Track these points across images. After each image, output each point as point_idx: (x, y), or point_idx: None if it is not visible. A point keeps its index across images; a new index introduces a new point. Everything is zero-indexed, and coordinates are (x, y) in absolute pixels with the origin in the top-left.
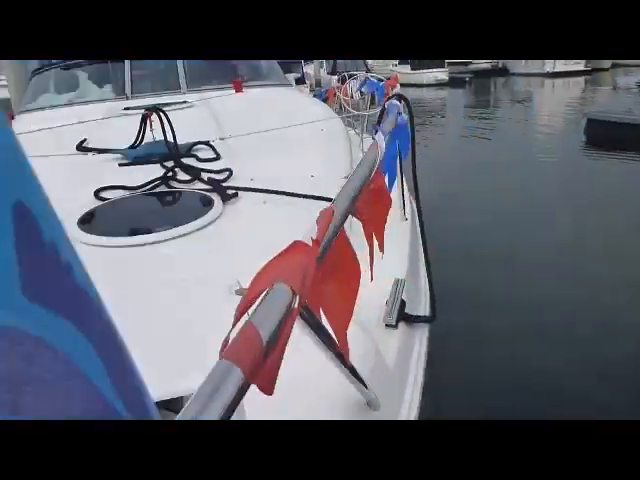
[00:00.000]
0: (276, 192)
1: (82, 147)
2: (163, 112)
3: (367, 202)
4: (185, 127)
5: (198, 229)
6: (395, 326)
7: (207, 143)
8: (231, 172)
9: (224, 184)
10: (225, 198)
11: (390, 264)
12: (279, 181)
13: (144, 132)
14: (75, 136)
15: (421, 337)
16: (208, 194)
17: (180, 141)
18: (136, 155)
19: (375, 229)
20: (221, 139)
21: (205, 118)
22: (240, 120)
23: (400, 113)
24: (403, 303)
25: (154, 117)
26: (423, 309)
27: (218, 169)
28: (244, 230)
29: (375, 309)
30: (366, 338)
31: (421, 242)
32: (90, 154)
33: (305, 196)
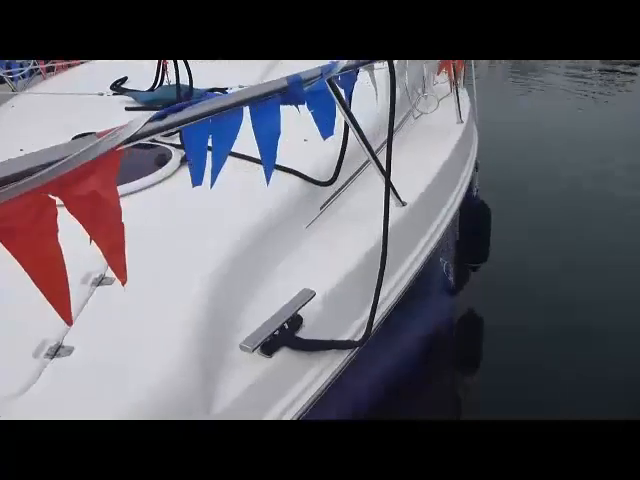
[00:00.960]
0: (235, 154)
1: (112, 86)
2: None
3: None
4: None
5: (135, 191)
6: (267, 354)
7: (224, 90)
8: None
9: None
10: (183, 158)
11: (329, 268)
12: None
13: (162, 74)
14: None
15: (318, 373)
16: (176, 150)
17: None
18: (146, 99)
19: (108, 253)
20: (240, 87)
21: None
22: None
23: (322, 75)
24: (295, 322)
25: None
26: (358, 330)
27: None
28: (181, 197)
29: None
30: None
31: (383, 241)
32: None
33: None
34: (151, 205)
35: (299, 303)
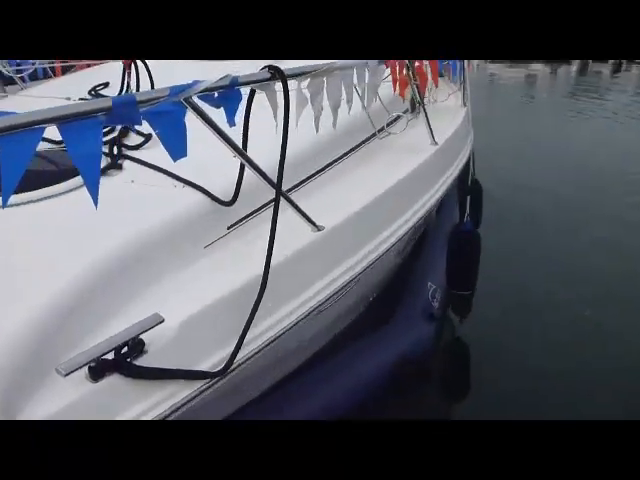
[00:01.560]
0: (150, 166)
1: (90, 91)
2: (142, 60)
3: None
4: None
5: (35, 200)
6: (92, 378)
7: None
8: (148, 138)
9: (131, 152)
10: (104, 168)
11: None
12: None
13: (127, 81)
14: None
15: (153, 404)
16: None
17: None
18: None
19: None
20: None
21: None
22: None
23: (169, 95)
24: (136, 348)
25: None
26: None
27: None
28: (72, 211)
29: None
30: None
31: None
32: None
33: (179, 178)
34: (39, 217)
35: (141, 328)
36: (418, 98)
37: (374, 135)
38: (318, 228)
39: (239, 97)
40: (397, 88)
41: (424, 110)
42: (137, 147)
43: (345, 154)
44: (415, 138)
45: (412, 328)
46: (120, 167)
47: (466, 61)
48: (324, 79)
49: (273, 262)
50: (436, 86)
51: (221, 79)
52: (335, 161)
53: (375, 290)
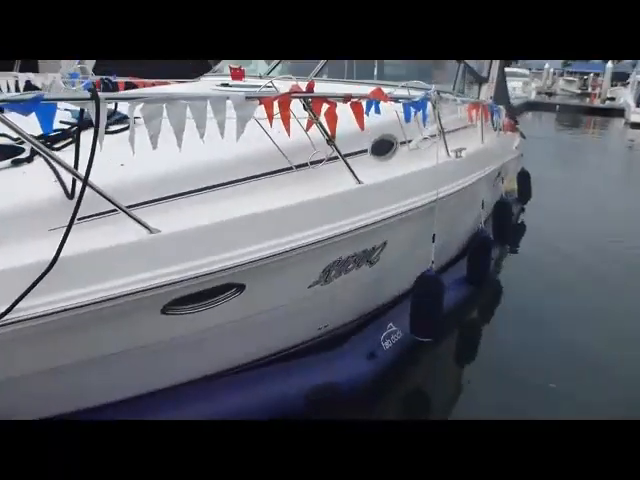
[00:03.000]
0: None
1: None
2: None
3: None
4: None
5: None
6: None
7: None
8: (68, 134)
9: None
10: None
11: None
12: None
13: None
14: None
15: None
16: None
17: None
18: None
19: None
20: None
21: None
22: None
23: None
24: None
25: None
26: None
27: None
28: None
29: None
30: None
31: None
32: None
33: (55, 173)
34: None
35: None
36: (326, 137)
37: (290, 169)
38: (151, 230)
39: (50, 110)
40: (277, 124)
41: (337, 149)
42: (57, 147)
43: (243, 179)
44: (346, 176)
45: (342, 361)
46: (30, 160)
47: (475, 110)
48: (162, 106)
49: (86, 248)
50: (362, 129)
51: (27, 93)
52: (229, 183)
53: (328, 319)
